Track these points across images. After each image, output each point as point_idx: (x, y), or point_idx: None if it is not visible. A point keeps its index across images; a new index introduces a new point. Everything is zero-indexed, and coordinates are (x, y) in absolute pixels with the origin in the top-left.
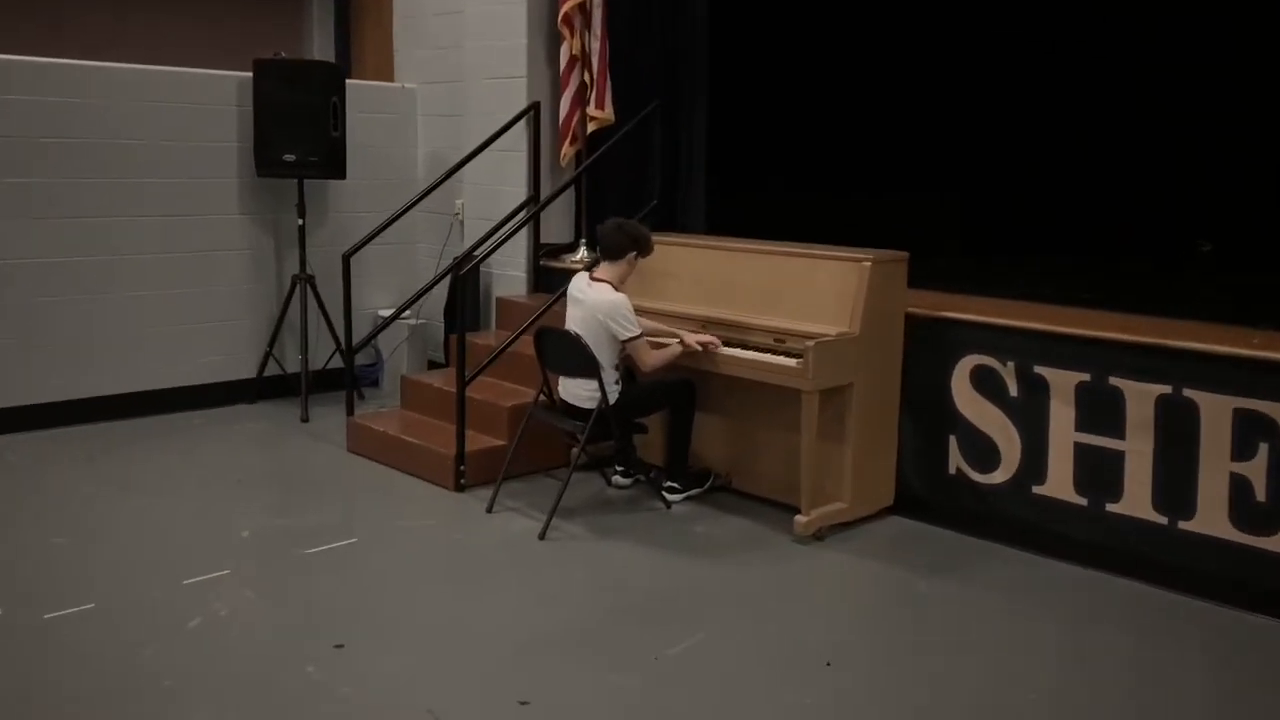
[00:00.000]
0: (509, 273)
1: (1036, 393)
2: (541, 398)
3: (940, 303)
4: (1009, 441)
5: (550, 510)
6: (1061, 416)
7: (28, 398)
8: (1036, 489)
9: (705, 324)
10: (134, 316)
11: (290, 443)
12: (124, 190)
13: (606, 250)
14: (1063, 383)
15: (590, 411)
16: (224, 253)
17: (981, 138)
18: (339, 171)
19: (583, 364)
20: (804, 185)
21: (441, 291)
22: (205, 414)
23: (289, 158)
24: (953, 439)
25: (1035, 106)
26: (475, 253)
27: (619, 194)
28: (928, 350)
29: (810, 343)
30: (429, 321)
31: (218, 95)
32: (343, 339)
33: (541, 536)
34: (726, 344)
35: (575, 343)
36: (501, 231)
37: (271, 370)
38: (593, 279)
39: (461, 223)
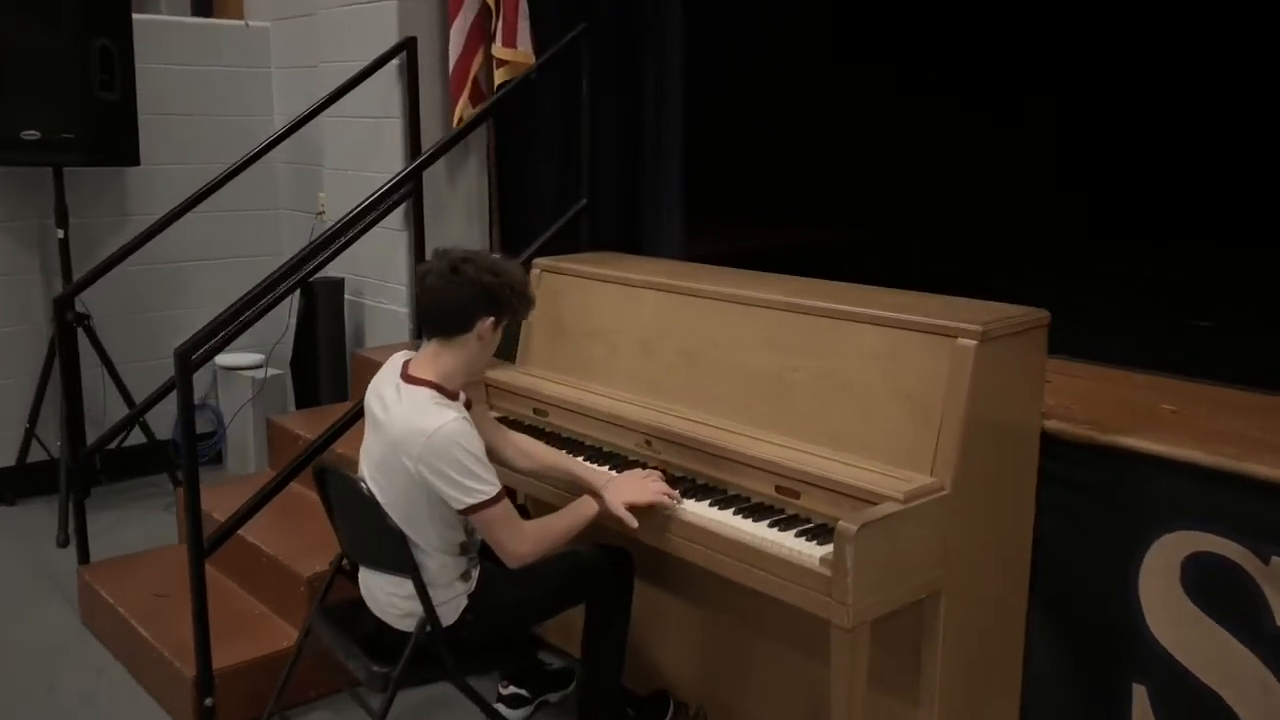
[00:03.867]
0: (383, 305)
1: None
2: (346, 563)
3: (1102, 402)
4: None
5: None
6: None
7: None
8: None
9: (650, 437)
10: None
11: (10, 596)
12: None
13: (429, 316)
14: None
15: (407, 636)
16: None
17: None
18: (122, 154)
19: (384, 549)
20: (853, 175)
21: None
22: None
23: (30, 134)
24: (1141, 693)
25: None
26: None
27: (556, 177)
28: (1086, 516)
29: (851, 526)
30: (286, 371)
31: None
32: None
33: None
34: (687, 489)
35: (369, 508)
36: (336, 241)
37: (39, 455)
38: (407, 377)
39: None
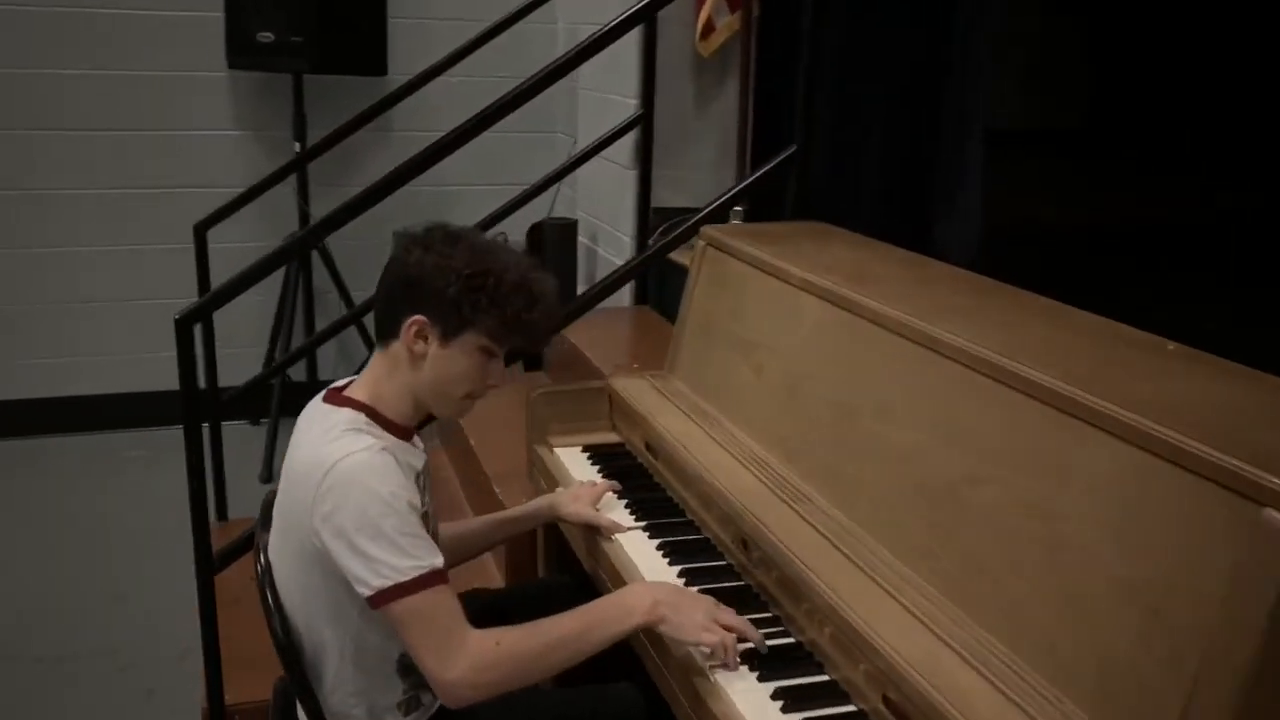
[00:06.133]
0: (611, 256)
1: None
2: None
3: None
4: None
5: None
6: None
7: None
8: None
9: (747, 538)
10: (67, 286)
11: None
12: (28, 84)
13: (376, 311)
14: None
15: None
16: (206, 192)
17: None
18: (365, 62)
19: (281, 646)
20: None
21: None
22: (158, 436)
23: (265, 37)
24: None
25: None
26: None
27: (839, 109)
28: None
29: None
30: None
31: None
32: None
33: None
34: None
35: (264, 585)
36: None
37: (297, 375)
38: (334, 396)
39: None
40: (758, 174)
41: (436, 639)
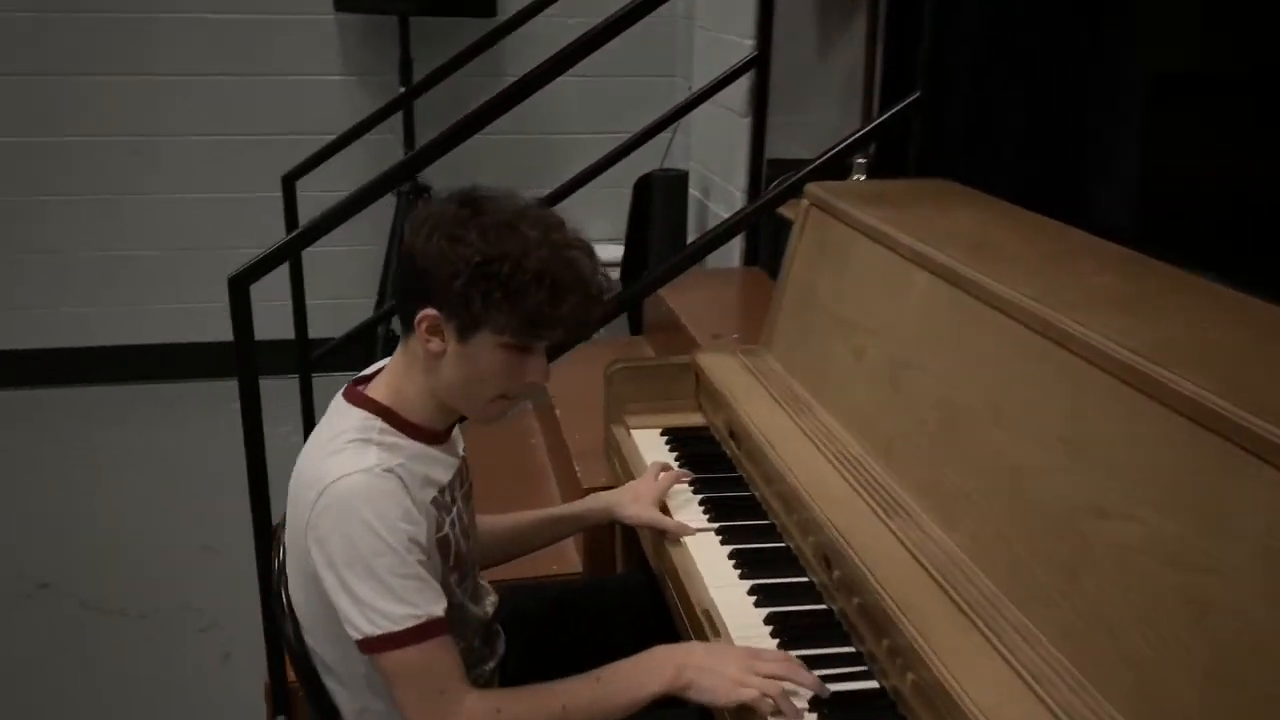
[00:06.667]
0: (721, 212)
1: None
2: None
3: None
4: None
5: None
6: None
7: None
8: None
9: (830, 556)
10: (174, 233)
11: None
12: (135, 30)
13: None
14: None
15: None
16: (314, 139)
17: None
18: (474, 3)
19: (294, 655)
20: None
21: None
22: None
23: None
24: None
25: None
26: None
27: (975, 55)
28: None
29: None
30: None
31: None
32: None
33: None
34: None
35: (279, 584)
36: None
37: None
38: (353, 392)
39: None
40: (872, 124)
41: (428, 699)
